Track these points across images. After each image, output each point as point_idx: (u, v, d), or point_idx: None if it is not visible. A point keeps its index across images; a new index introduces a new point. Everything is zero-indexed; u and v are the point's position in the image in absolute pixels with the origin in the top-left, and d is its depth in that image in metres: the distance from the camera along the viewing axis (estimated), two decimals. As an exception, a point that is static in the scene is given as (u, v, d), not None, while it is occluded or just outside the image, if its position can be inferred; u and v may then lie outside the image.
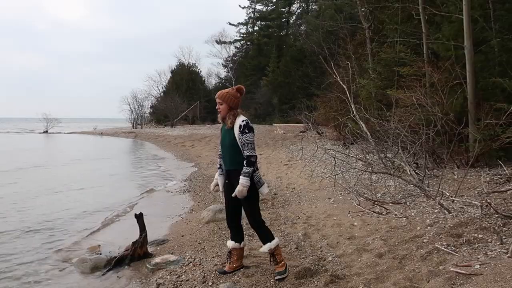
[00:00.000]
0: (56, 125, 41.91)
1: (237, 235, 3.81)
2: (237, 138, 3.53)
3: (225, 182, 3.74)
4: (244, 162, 3.49)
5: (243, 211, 3.75)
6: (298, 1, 43.50)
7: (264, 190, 3.66)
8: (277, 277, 3.57)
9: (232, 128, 3.58)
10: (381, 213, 5.22)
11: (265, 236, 3.67)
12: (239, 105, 3.72)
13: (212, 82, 49.05)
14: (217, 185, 3.85)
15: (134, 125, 41.04)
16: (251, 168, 3.49)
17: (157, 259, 4.36)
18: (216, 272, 3.81)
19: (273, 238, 3.67)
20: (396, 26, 10.98)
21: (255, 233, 4.98)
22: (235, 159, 3.58)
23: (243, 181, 3.45)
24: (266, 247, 3.64)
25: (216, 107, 3.69)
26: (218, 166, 3.87)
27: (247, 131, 3.52)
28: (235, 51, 49.30)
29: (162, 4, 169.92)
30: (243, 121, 3.55)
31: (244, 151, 3.50)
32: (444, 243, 3.72)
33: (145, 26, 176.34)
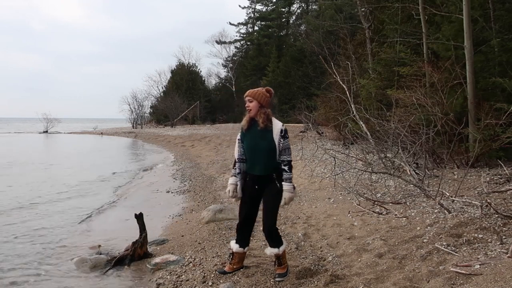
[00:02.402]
0: (56, 125, 41.93)
1: (244, 240, 3.75)
2: (276, 143, 3.43)
3: (254, 187, 3.56)
4: (286, 168, 3.45)
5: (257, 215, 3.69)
6: (298, 1, 43.55)
7: (295, 194, 3.69)
8: (277, 279, 3.57)
9: (268, 131, 3.46)
10: (381, 213, 5.22)
11: (277, 241, 3.60)
12: (269, 104, 3.61)
13: (212, 82, 49.19)
14: (235, 191, 3.64)
15: (134, 125, 41.06)
16: (292, 173, 3.50)
17: (157, 259, 4.36)
18: (216, 272, 3.80)
19: (282, 244, 3.62)
20: (396, 26, 10.97)
21: (255, 233, 5.00)
22: (270, 164, 3.48)
23: (290, 188, 3.45)
24: (274, 251, 3.59)
25: (246, 106, 3.59)
26: (238, 171, 3.62)
27: (287, 136, 3.50)
28: (235, 51, 49.45)
29: (161, 4, 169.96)
30: (282, 125, 3.49)
31: (284, 156, 3.45)
32: (444, 243, 3.72)
33: (144, 26, 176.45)
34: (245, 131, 3.58)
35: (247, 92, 3.61)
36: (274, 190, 3.49)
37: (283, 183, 3.45)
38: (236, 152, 3.66)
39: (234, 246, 3.76)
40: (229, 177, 3.73)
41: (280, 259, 3.64)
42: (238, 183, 3.63)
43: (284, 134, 3.46)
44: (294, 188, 3.56)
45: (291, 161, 3.48)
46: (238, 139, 3.65)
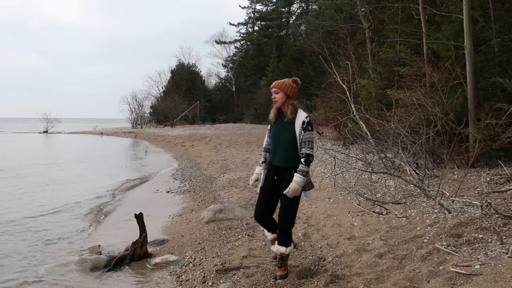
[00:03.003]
0: (56, 125, 41.93)
1: (273, 227, 3.71)
2: (297, 134, 3.36)
3: (273, 178, 3.52)
4: (302, 160, 3.32)
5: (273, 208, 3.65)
6: (298, 1, 43.53)
7: (312, 194, 3.51)
8: (278, 280, 3.53)
9: (292, 122, 3.40)
10: (381, 213, 5.22)
11: (287, 240, 3.56)
12: (296, 96, 3.54)
13: (212, 82, 49.20)
14: (257, 180, 3.65)
15: (134, 125, 41.05)
16: (308, 168, 3.35)
17: (157, 259, 4.36)
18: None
19: (290, 245, 3.57)
20: (396, 26, 10.98)
21: (255, 233, 5.00)
22: (289, 156, 3.41)
23: (300, 180, 3.31)
24: (281, 250, 3.53)
25: (272, 97, 3.55)
26: (263, 160, 3.65)
27: (310, 128, 3.37)
28: (235, 51, 49.44)
29: (161, 4, 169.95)
30: (306, 117, 3.39)
31: (303, 149, 3.34)
32: (444, 243, 3.72)
33: (144, 26, 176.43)
34: (273, 123, 3.58)
35: (274, 83, 3.57)
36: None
37: (295, 173, 3.33)
38: (264, 141, 3.70)
39: (269, 235, 3.72)
40: (257, 167, 3.75)
41: (283, 260, 3.60)
42: (262, 172, 3.63)
43: (306, 126, 3.36)
44: (311, 186, 3.46)
45: (310, 155, 3.35)
46: (268, 130, 3.69)
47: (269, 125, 3.68)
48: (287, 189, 3.33)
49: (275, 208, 3.66)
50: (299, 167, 3.33)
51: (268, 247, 4.45)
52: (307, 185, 3.44)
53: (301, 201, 6.68)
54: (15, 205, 7.64)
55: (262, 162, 3.65)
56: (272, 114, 3.56)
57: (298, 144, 3.37)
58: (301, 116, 3.40)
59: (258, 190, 3.68)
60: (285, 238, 3.55)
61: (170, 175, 11.39)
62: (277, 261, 3.66)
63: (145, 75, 71.71)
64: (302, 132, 3.35)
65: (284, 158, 3.45)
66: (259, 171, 3.66)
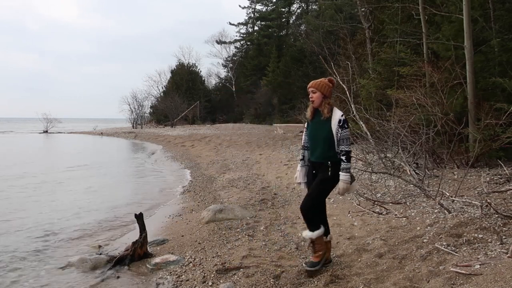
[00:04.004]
0: (56, 125, 41.93)
1: (313, 224, 3.71)
2: (334, 132, 3.51)
3: (313, 173, 3.68)
4: (343, 158, 3.48)
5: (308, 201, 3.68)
6: (298, 1, 43.53)
7: (355, 186, 3.65)
8: (306, 266, 3.60)
9: (328, 120, 3.54)
10: (381, 213, 5.22)
11: (313, 225, 3.64)
12: (331, 94, 3.69)
13: (212, 82, 49.20)
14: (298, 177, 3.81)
15: (134, 125, 41.04)
16: (350, 163, 3.52)
17: (157, 259, 4.36)
18: (303, 265, 3.67)
19: (318, 229, 3.62)
20: (396, 26, 10.98)
21: (255, 233, 5.01)
22: (326, 153, 3.56)
23: (346, 178, 3.47)
24: (308, 234, 3.65)
25: (309, 97, 3.65)
26: (301, 157, 3.81)
27: (346, 126, 3.53)
28: (235, 51, 49.44)
29: (161, 4, 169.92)
30: (342, 115, 3.54)
31: (342, 146, 3.48)
32: (444, 243, 3.72)
33: (144, 26, 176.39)
34: (310, 121, 3.71)
35: (311, 83, 3.68)
36: (323, 177, 3.58)
37: (340, 173, 3.48)
38: (302, 140, 3.86)
39: (307, 234, 3.74)
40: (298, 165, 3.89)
41: (314, 245, 3.67)
42: (300, 168, 3.79)
43: (342, 124, 3.50)
44: (352, 178, 3.57)
45: (349, 151, 3.51)
46: (305, 128, 3.84)
47: (306, 124, 3.84)
48: (337, 190, 3.53)
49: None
50: (342, 165, 3.49)
51: (268, 247, 4.46)
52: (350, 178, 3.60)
53: (301, 201, 6.71)
54: (15, 204, 7.64)
55: (301, 160, 3.81)
56: (309, 113, 3.71)
57: (335, 141, 3.52)
58: (337, 114, 3.54)
59: (303, 187, 3.84)
60: (310, 222, 3.66)
61: (170, 174, 11.37)
62: (311, 248, 3.73)
63: (145, 75, 71.70)
64: (339, 130, 3.50)
65: (322, 155, 3.60)
66: (299, 168, 3.83)
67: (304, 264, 3.68)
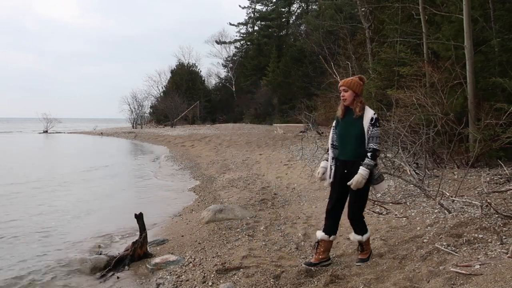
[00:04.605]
0: (56, 125, 41.94)
1: (331, 227, 3.77)
2: (365, 130, 3.53)
3: (343, 172, 3.65)
4: (368, 155, 3.49)
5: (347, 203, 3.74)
6: (298, 1, 43.53)
7: (383, 186, 3.66)
8: (357, 263, 3.69)
9: (360, 118, 3.57)
10: (381, 213, 5.22)
11: (361, 228, 3.71)
12: (362, 92, 3.71)
13: (212, 82, 49.18)
14: (324, 173, 3.81)
15: (134, 125, 41.05)
16: (374, 162, 3.53)
17: (157, 259, 4.36)
18: (303, 265, 3.73)
19: (366, 232, 3.71)
20: (396, 26, 10.98)
21: (255, 233, 5.01)
22: (358, 151, 3.57)
23: (364, 173, 3.47)
24: (357, 238, 3.71)
25: (341, 95, 3.67)
26: (332, 156, 3.77)
27: (378, 124, 3.57)
28: (235, 51, 49.43)
29: (161, 4, 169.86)
30: (374, 113, 3.58)
31: (371, 144, 3.51)
32: (444, 243, 3.72)
33: (144, 26, 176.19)
34: (341, 119, 3.71)
35: (342, 81, 3.69)
36: None
37: (360, 167, 3.49)
38: (330, 138, 3.83)
39: (319, 234, 3.78)
40: (322, 161, 3.91)
41: (362, 246, 3.73)
42: (328, 167, 3.78)
43: (374, 122, 3.54)
44: (381, 178, 3.59)
45: (376, 149, 3.54)
46: (333, 127, 3.82)
47: (334, 122, 3.82)
48: (351, 180, 3.50)
49: (345, 201, 3.77)
50: (365, 161, 3.50)
51: (268, 247, 4.46)
52: (378, 177, 3.59)
53: (301, 201, 6.72)
54: (15, 204, 7.64)
55: (332, 158, 3.77)
56: (340, 111, 3.72)
57: (366, 139, 3.54)
58: (369, 112, 3.58)
59: (326, 184, 3.88)
60: (359, 226, 3.71)
61: (170, 174, 11.32)
62: (360, 249, 3.79)
63: (145, 75, 71.59)
64: (371, 128, 3.53)
65: (353, 152, 3.60)
66: (324, 165, 3.82)
67: (356, 264, 3.71)
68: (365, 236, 3.70)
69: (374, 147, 3.51)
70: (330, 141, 3.82)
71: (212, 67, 63.59)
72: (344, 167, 3.66)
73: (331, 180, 3.76)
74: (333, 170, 3.74)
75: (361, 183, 3.48)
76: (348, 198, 3.69)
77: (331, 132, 3.84)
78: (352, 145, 3.59)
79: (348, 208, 3.70)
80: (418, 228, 4.33)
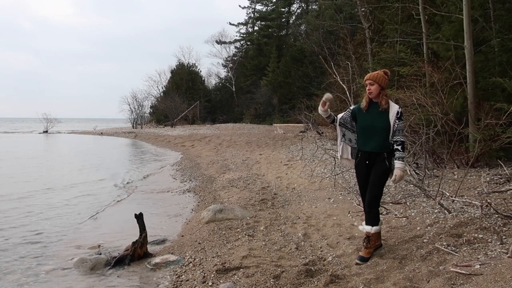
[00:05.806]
0: (56, 125, 41.94)
1: (373, 219, 3.82)
2: (391, 123, 3.65)
3: (365, 163, 3.78)
4: (399, 147, 3.63)
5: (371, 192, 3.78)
6: (298, 1, 43.54)
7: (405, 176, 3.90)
8: (356, 260, 3.71)
9: (386, 111, 3.68)
10: (381, 213, 5.22)
11: (374, 218, 3.76)
12: (387, 86, 3.82)
13: (212, 82, 49.17)
14: (327, 109, 3.86)
15: (134, 125, 41.05)
16: (405, 153, 3.70)
17: (157, 259, 4.36)
18: (356, 261, 3.73)
19: (377, 225, 3.76)
20: (396, 26, 10.97)
21: (255, 233, 5.01)
22: (384, 143, 3.69)
23: (402, 166, 3.62)
24: (366, 228, 3.77)
25: (367, 89, 3.75)
26: (334, 117, 3.93)
27: (402, 118, 3.72)
28: (235, 51, 49.44)
29: (160, 4, 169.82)
30: (400, 108, 3.71)
31: (397, 137, 3.65)
32: (444, 243, 3.72)
33: (142, 25, 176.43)
34: (365, 111, 3.81)
35: (368, 75, 3.78)
36: (382, 168, 3.70)
37: (395, 161, 3.63)
38: (340, 114, 3.99)
39: (366, 227, 3.80)
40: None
41: (369, 240, 3.75)
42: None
43: (400, 116, 3.68)
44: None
45: (404, 142, 3.70)
46: (349, 111, 3.97)
47: (352, 110, 3.94)
48: (393, 176, 3.63)
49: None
50: (398, 154, 3.64)
51: (268, 247, 4.46)
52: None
53: (301, 201, 6.72)
54: (14, 204, 7.64)
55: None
56: (364, 103, 3.81)
57: (391, 132, 3.67)
58: (395, 106, 3.72)
59: (346, 163, 4.11)
60: (372, 216, 3.77)
61: (170, 174, 11.30)
62: (365, 243, 3.79)
63: (144, 75, 71.72)
64: (397, 121, 3.66)
65: (378, 144, 3.72)
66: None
67: (355, 261, 3.73)
68: (374, 229, 3.75)
69: (402, 139, 3.66)
70: (339, 119, 3.95)
71: (212, 67, 63.74)
72: (366, 159, 3.79)
73: (351, 158, 3.95)
74: (350, 150, 3.95)
75: (402, 177, 3.64)
76: (368, 187, 3.78)
77: (343, 113, 3.97)
78: (378, 137, 3.70)
79: (367, 197, 3.80)
80: (418, 228, 4.34)
